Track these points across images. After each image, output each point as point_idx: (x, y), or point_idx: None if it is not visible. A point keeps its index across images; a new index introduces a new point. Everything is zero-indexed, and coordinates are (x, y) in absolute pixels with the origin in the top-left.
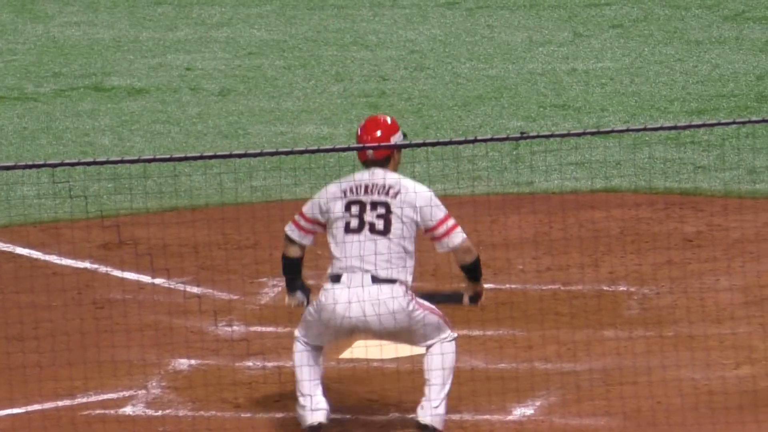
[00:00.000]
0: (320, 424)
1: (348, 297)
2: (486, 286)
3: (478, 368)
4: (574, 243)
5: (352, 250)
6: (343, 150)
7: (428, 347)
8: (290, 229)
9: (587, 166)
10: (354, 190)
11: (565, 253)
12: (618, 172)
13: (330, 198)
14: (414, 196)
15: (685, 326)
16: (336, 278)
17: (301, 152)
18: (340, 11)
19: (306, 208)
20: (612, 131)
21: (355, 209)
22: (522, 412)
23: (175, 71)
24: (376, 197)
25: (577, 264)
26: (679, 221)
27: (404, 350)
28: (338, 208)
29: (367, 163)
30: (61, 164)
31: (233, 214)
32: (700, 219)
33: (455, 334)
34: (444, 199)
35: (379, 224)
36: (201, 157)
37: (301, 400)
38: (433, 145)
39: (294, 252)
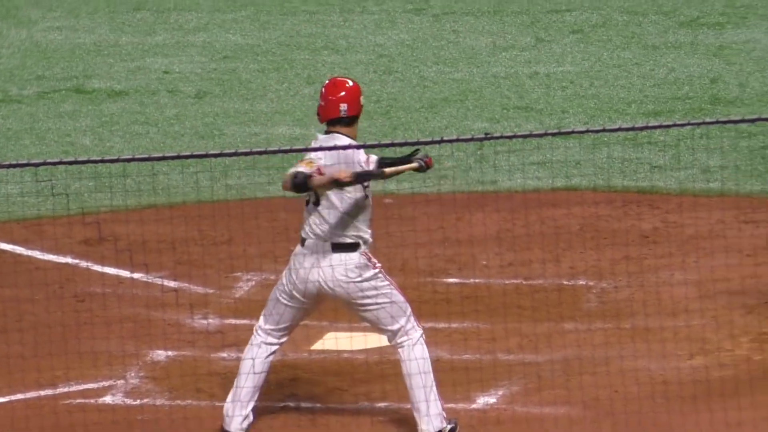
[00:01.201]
0: None
1: (311, 262)
2: (451, 280)
3: (443, 359)
4: (536, 239)
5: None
6: (314, 150)
7: (398, 345)
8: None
9: (548, 166)
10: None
11: (528, 249)
12: (578, 172)
13: None
14: None
15: (641, 319)
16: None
17: (275, 152)
18: (312, 17)
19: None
20: (572, 132)
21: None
22: (485, 400)
23: (153, 74)
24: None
25: (538, 259)
26: (636, 218)
27: (373, 341)
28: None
29: (337, 122)
30: (44, 163)
31: (209, 212)
32: (657, 216)
33: (421, 330)
34: (412, 197)
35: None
36: (178, 157)
37: (235, 406)
38: (401, 145)
39: None
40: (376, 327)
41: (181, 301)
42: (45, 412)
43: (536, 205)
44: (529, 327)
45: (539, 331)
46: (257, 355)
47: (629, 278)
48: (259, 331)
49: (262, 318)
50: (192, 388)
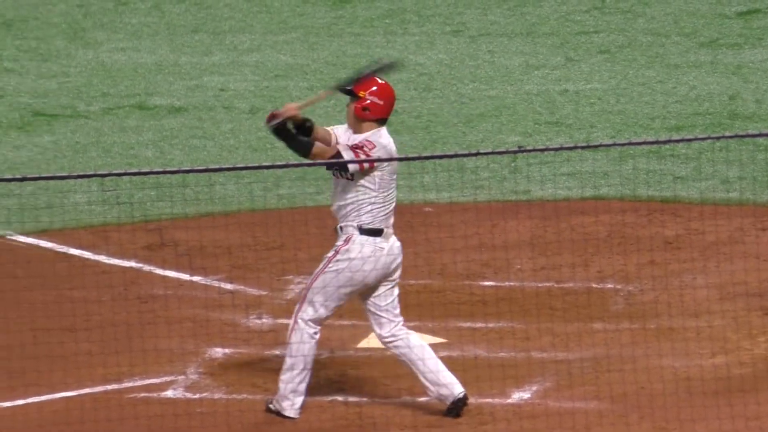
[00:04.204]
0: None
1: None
2: (487, 283)
3: (481, 357)
4: (566, 245)
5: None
6: (360, 162)
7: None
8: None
9: (578, 177)
10: None
11: (558, 254)
12: (605, 182)
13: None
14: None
15: (665, 320)
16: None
17: (322, 164)
18: (357, 38)
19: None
20: (600, 145)
21: None
22: (520, 396)
23: (210, 92)
24: None
25: (569, 264)
26: (660, 226)
27: (425, 338)
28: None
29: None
30: (109, 174)
31: (262, 219)
32: (679, 224)
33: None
34: (449, 206)
35: None
36: (233, 168)
37: (291, 394)
38: (440, 158)
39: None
40: None
41: (237, 302)
42: (111, 405)
43: (566, 213)
44: (561, 327)
45: (570, 330)
46: (307, 345)
47: (654, 282)
48: (311, 322)
49: (319, 300)
50: (247, 383)
